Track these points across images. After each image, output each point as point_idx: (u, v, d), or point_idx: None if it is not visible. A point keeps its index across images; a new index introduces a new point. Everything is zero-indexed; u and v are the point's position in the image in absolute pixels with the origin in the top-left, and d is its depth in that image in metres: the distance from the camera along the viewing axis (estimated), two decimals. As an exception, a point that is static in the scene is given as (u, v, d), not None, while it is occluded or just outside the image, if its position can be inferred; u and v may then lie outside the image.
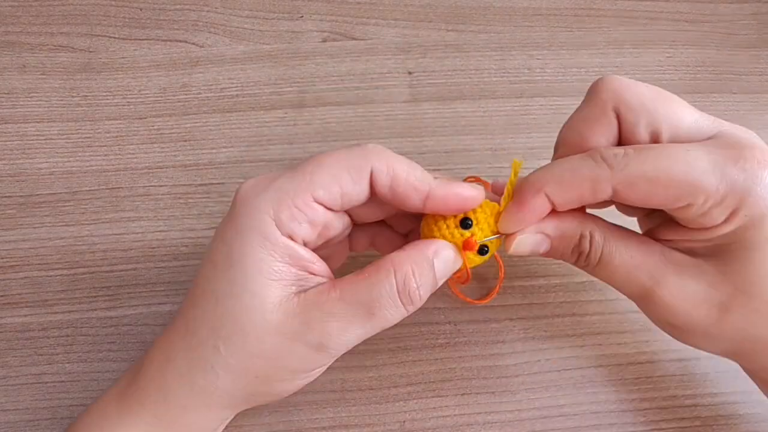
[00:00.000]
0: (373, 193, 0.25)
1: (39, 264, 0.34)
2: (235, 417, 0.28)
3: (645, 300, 0.25)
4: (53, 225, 0.35)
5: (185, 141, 0.38)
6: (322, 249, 0.27)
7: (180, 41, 0.41)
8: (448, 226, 0.25)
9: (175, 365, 0.24)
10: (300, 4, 0.42)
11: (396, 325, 0.33)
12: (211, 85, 0.39)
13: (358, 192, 0.24)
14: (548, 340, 0.33)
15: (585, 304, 0.34)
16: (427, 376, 0.32)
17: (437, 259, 0.24)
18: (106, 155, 0.37)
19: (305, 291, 0.24)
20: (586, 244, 0.25)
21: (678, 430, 0.32)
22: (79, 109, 0.38)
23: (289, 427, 0.30)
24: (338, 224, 0.26)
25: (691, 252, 0.25)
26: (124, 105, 0.39)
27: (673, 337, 0.27)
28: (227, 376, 0.23)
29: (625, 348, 0.33)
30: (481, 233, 0.25)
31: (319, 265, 0.25)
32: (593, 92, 0.25)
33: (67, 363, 0.32)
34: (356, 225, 0.28)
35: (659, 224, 0.26)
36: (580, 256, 0.26)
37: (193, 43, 0.41)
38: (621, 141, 0.25)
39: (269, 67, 0.40)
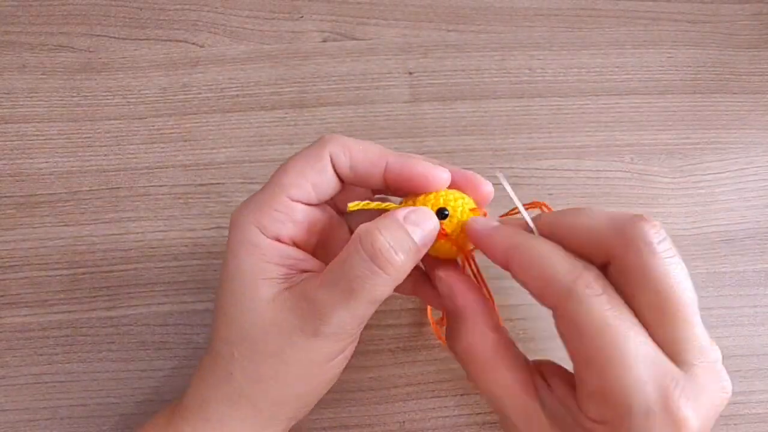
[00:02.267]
0: (341, 179, 0.26)
1: (39, 264, 0.34)
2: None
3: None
4: (53, 225, 0.35)
5: (185, 141, 0.38)
6: (322, 251, 0.27)
7: (180, 41, 0.41)
8: None
9: (206, 380, 0.25)
10: (300, 4, 0.42)
11: (396, 325, 0.33)
12: (211, 85, 0.39)
13: (326, 180, 0.25)
14: (548, 340, 0.33)
15: (585, 305, 0.33)
16: (426, 377, 0.32)
17: (410, 222, 0.23)
18: (106, 155, 0.37)
19: (294, 285, 0.24)
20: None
21: (678, 431, 0.31)
22: (79, 109, 0.38)
23: (289, 428, 0.30)
24: (323, 216, 0.27)
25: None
26: (124, 105, 0.39)
27: None
28: (246, 380, 0.24)
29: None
30: (452, 226, 0.25)
31: (311, 263, 0.25)
32: None
33: (67, 363, 0.32)
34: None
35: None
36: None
37: (193, 43, 0.41)
38: None
39: (269, 67, 0.40)
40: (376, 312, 0.33)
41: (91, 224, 0.35)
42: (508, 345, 0.25)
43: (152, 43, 0.41)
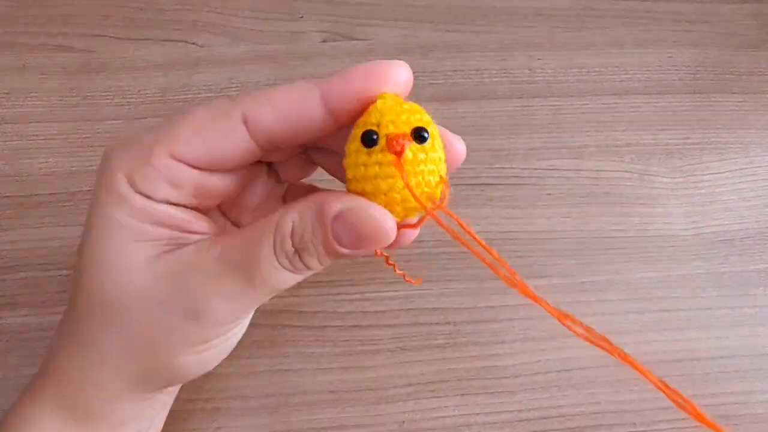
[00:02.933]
0: (262, 145, 0.20)
1: (38, 264, 0.34)
2: (231, 417, 0.28)
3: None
4: (53, 225, 0.35)
5: (185, 141, 0.38)
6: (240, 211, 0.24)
7: (180, 41, 0.41)
8: (357, 150, 0.19)
9: (66, 346, 0.22)
10: (300, 4, 0.42)
11: (395, 325, 0.33)
12: (211, 85, 0.39)
13: (232, 143, 0.20)
14: (548, 340, 0.33)
15: (585, 305, 0.33)
16: (426, 377, 0.32)
17: (342, 224, 0.19)
18: (105, 155, 0.37)
19: (180, 249, 0.20)
20: None
21: (678, 431, 0.32)
22: (79, 109, 0.38)
23: (288, 428, 0.30)
24: (222, 183, 0.21)
25: None
26: (124, 105, 0.39)
27: None
28: (109, 348, 0.21)
29: (625, 348, 0.32)
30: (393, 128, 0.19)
31: (202, 223, 0.21)
32: None
33: (67, 363, 0.32)
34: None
35: None
36: None
37: (193, 43, 0.41)
38: None
39: (269, 67, 0.40)
40: (376, 312, 0.33)
41: (90, 224, 0.35)
42: None
43: (152, 43, 0.41)
